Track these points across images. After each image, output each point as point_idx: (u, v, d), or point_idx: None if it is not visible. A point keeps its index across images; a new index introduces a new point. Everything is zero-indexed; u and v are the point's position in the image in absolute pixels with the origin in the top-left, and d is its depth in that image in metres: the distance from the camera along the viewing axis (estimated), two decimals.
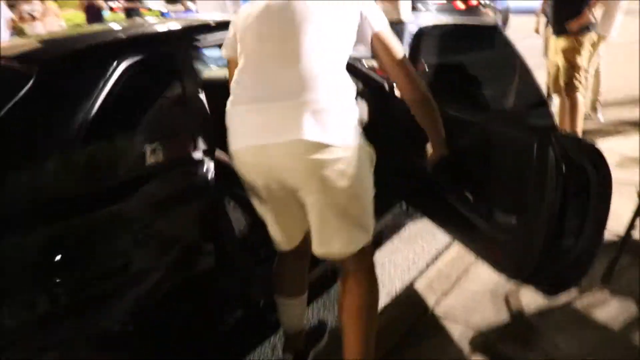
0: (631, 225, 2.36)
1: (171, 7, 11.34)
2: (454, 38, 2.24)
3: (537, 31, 5.31)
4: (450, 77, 2.16)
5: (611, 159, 3.73)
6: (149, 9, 12.42)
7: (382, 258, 2.91)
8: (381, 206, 2.65)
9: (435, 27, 2.36)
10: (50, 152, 1.42)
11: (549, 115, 1.55)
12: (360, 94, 2.83)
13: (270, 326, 2.28)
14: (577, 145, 1.50)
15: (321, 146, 1.44)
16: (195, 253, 1.77)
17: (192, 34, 1.91)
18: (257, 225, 1.88)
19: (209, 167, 1.73)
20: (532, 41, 5.37)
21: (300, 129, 1.42)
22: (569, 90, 3.80)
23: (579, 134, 3.85)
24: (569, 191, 1.52)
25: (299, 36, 1.49)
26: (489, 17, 10.12)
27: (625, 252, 2.39)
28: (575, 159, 1.49)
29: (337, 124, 1.47)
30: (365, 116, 2.82)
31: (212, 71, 2.86)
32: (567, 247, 1.64)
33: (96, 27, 2.45)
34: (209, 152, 1.76)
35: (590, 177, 1.48)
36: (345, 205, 1.55)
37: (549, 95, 4.90)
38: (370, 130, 2.75)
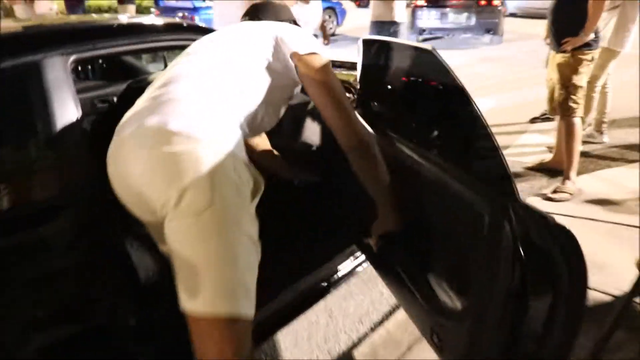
0: (632, 295, 1.88)
1: None
2: (392, 57, 1.76)
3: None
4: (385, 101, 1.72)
5: (612, 193, 3.32)
6: None
7: (332, 304, 2.44)
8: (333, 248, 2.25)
9: (374, 41, 1.88)
10: None
11: (507, 175, 1.07)
12: (311, 114, 2.41)
13: None
14: (543, 225, 1.04)
15: (156, 132, 1.17)
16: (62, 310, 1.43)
17: (69, 40, 1.51)
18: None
19: (85, 210, 1.40)
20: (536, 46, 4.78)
21: (139, 120, 1.22)
22: (564, 111, 3.30)
23: (575, 161, 3.35)
24: (529, 283, 1.07)
25: (190, 56, 1.44)
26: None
27: (621, 326, 1.92)
28: (539, 242, 1.04)
29: (183, 111, 1.21)
30: (317, 139, 2.40)
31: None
32: (527, 351, 1.18)
33: None
34: (88, 192, 1.41)
35: (559, 268, 1.02)
36: (187, 230, 1.12)
37: (545, 113, 4.42)
38: (323, 155, 2.37)
